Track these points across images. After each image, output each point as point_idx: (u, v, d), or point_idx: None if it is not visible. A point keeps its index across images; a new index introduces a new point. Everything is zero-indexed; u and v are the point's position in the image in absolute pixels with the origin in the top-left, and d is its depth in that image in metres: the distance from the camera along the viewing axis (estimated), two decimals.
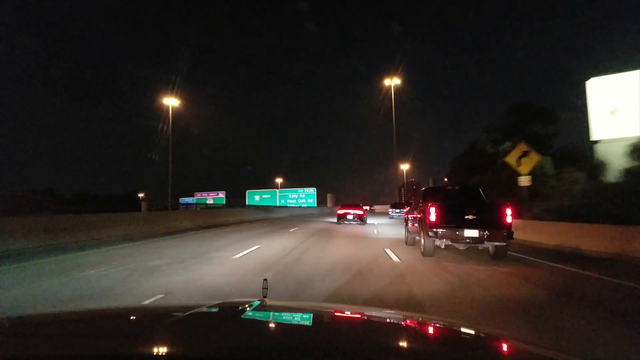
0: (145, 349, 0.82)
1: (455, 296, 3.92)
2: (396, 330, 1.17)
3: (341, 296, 3.77)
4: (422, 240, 6.87)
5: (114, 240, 8.93)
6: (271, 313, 1.22)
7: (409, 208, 9.72)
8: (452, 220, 6.37)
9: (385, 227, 15.43)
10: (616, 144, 14.02)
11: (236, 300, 2.08)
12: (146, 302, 3.52)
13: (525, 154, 11.44)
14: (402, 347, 0.94)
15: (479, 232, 6.17)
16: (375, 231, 12.92)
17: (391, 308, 2.87)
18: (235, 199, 46.40)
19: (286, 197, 46.64)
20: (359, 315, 1.37)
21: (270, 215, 24.45)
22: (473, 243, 6.34)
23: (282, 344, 0.88)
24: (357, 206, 18.23)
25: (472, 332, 1.20)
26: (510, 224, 6.22)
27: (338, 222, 17.37)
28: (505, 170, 14.47)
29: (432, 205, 6.56)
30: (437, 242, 6.55)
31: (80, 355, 0.77)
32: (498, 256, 6.42)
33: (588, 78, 16.20)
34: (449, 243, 6.54)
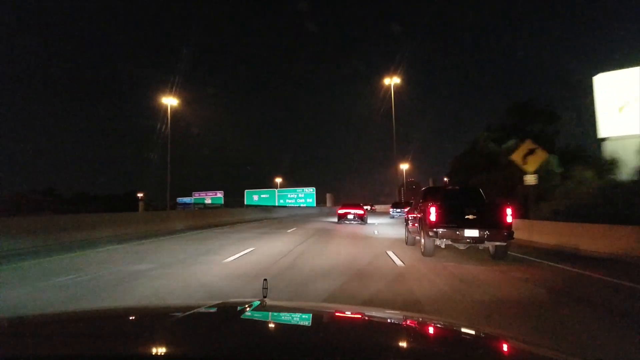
0: (145, 349, 0.83)
1: (462, 302, 3.89)
2: (396, 330, 1.18)
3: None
4: (423, 240, 6.88)
5: (106, 241, 8.66)
6: (271, 313, 1.23)
7: (409, 208, 9.74)
8: (453, 220, 6.39)
9: (386, 227, 15.33)
10: (626, 141, 13.57)
11: (236, 300, 2.09)
12: None
13: (531, 152, 11.14)
14: (402, 347, 0.95)
15: (479, 232, 6.19)
16: (376, 232, 12.73)
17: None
18: (234, 199, 46.41)
19: (285, 197, 46.60)
20: (359, 316, 1.38)
21: (269, 215, 24.39)
22: (473, 243, 6.36)
23: (282, 344, 0.89)
24: (357, 206, 18.24)
25: (472, 332, 1.21)
26: (510, 224, 6.24)
27: (339, 222, 17.37)
28: (509, 169, 14.15)
29: (432, 205, 6.57)
30: (438, 242, 6.57)
31: (80, 355, 0.77)
32: (498, 256, 6.44)
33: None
34: (449, 243, 6.56)
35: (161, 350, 0.80)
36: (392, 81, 26.33)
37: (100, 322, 1.19)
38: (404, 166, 41.08)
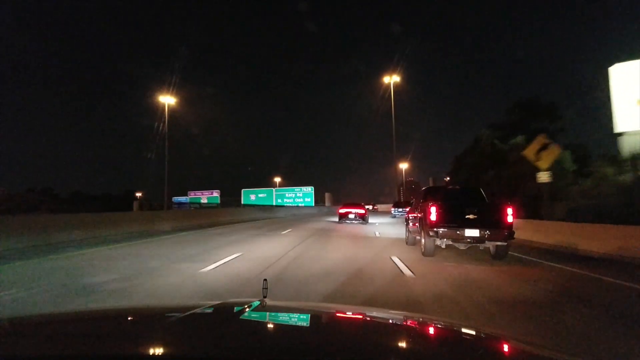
0: (145, 349, 0.84)
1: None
2: (396, 330, 1.19)
3: None
4: (423, 240, 6.91)
5: (79, 244, 8.07)
6: (271, 313, 1.23)
7: (410, 207, 9.77)
8: (453, 219, 6.42)
9: (387, 228, 15.07)
10: None
11: (236, 300, 2.09)
12: None
13: (544, 147, 10.52)
14: (402, 347, 0.96)
15: (480, 232, 6.22)
16: (377, 233, 12.21)
17: None
18: (231, 198, 46.44)
19: (283, 197, 46.59)
20: (360, 316, 1.39)
21: (266, 215, 24.31)
22: (474, 243, 6.40)
23: (282, 344, 0.90)
24: (358, 205, 18.28)
25: (473, 332, 1.22)
26: (511, 224, 6.28)
27: (340, 221, 17.40)
28: (517, 167, 13.62)
29: (432, 205, 6.60)
30: (438, 242, 6.60)
31: (80, 356, 0.78)
32: (499, 256, 6.48)
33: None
34: (450, 243, 6.59)
35: (161, 350, 0.81)
36: (391, 79, 26.42)
37: (100, 322, 1.20)
38: (404, 166, 41.24)
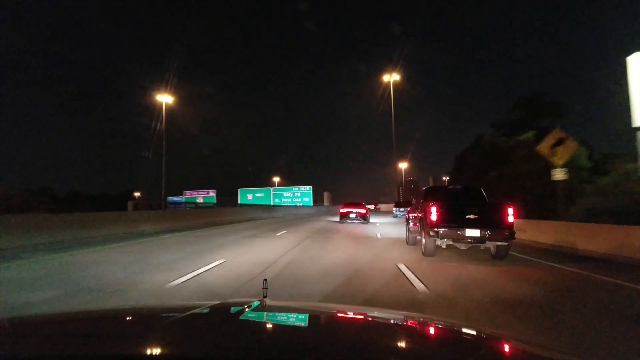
0: (145, 349, 0.85)
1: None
2: (396, 330, 1.20)
3: None
4: (424, 240, 6.94)
5: (51, 247, 7.54)
6: (271, 313, 1.25)
7: (411, 207, 9.79)
8: (454, 219, 6.46)
9: (389, 228, 14.86)
10: None
11: (236, 300, 2.10)
12: None
13: (560, 142, 9.85)
14: (402, 347, 0.97)
15: (481, 232, 6.26)
16: (378, 234, 11.68)
17: None
18: (227, 198, 46.31)
19: (280, 196, 46.53)
20: (360, 316, 1.41)
21: (262, 215, 24.19)
22: (474, 243, 6.44)
23: (282, 344, 0.91)
24: (359, 205, 18.35)
25: (473, 332, 1.23)
26: (512, 224, 6.32)
27: (340, 221, 17.44)
28: (525, 164, 13.11)
29: (433, 205, 6.63)
30: (439, 242, 6.63)
31: (80, 356, 0.79)
32: (499, 256, 6.52)
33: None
34: (450, 243, 6.62)
35: (161, 350, 0.82)
36: (391, 77, 26.46)
37: (100, 322, 1.21)
38: (403, 165, 41.35)
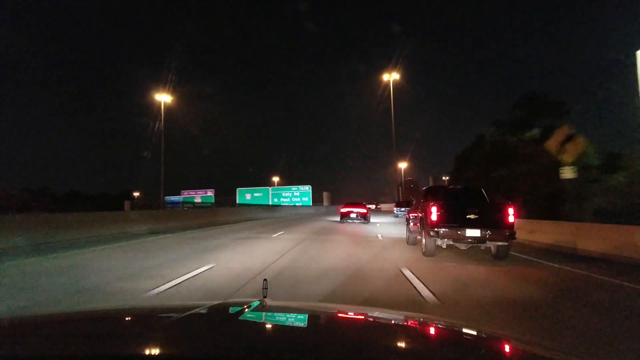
0: (145, 349, 0.85)
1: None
2: (396, 330, 1.21)
3: None
4: (424, 240, 6.96)
5: (29, 250, 7.22)
6: (271, 313, 1.25)
7: (411, 207, 9.82)
8: (454, 219, 6.48)
9: (390, 228, 14.76)
10: None
11: (235, 300, 2.11)
12: None
13: (569, 139, 9.74)
14: (402, 347, 0.98)
15: (481, 232, 6.28)
16: (379, 236, 11.31)
17: None
18: (226, 198, 46.29)
19: (279, 196, 46.52)
20: (360, 316, 1.42)
21: (260, 215, 24.12)
22: (475, 243, 6.46)
23: (282, 344, 0.92)
24: (360, 205, 18.45)
25: (473, 332, 1.23)
26: (512, 224, 6.35)
27: (341, 221, 17.50)
28: (530, 163, 12.64)
29: (433, 205, 6.65)
30: (439, 242, 6.66)
31: (80, 356, 0.80)
32: (500, 256, 6.54)
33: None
34: (451, 243, 6.65)
35: (161, 350, 0.83)
36: (390, 77, 26.50)
37: (100, 322, 1.21)
38: (403, 165, 41.40)
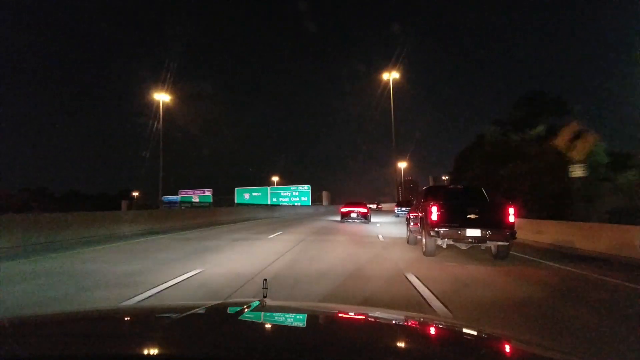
0: (144, 349, 0.86)
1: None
2: (396, 330, 1.21)
3: None
4: (424, 240, 6.98)
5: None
6: (271, 313, 1.26)
7: (411, 207, 9.84)
8: (454, 219, 6.49)
9: (391, 228, 14.73)
10: None
11: (235, 300, 2.11)
12: None
13: (578, 136, 9.40)
14: (402, 347, 0.98)
15: (481, 232, 6.30)
16: (380, 236, 11.03)
17: None
18: (224, 197, 46.23)
19: (278, 195, 46.51)
20: (360, 316, 1.42)
21: (259, 214, 24.08)
22: (475, 242, 6.47)
23: (282, 344, 0.92)
24: (361, 204, 18.51)
25: (473, 332, 1.24)
26: (512, 224, 6.37)
27: (342, 220, 17.54)
28: (535, 162, 12.29)
29: (433, 204, 6.67)
30: (439, 242, 6.68)
31: (80, 356, 0.80)
32: (500, 256, 6.56)
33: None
34: (451, 243, 6.66)
35: (161, 350, 0.83)
36: (390, 76, 26.54)
37: (100, 322, 1.22)
38: (403, 165, 41.45)
